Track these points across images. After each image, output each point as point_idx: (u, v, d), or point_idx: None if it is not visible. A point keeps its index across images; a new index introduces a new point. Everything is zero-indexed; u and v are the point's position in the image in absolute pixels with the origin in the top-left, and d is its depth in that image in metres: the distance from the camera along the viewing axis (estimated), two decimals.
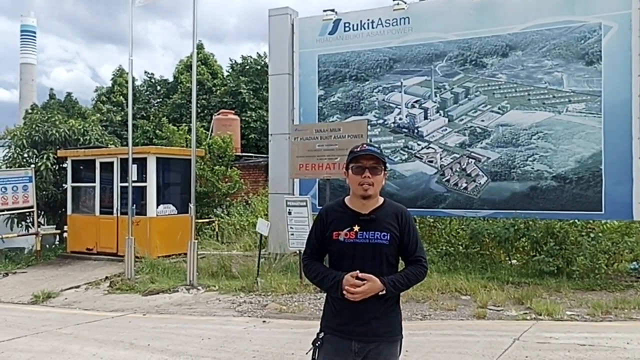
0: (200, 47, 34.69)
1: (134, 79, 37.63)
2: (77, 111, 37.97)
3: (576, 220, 10.18)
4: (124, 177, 12.00)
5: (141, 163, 12.39)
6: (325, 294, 3.02)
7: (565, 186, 10.14)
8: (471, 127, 10.92)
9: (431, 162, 11.27)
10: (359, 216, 2.85)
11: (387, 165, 2.94)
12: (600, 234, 9.81)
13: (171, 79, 36.87)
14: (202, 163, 16.85)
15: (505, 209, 10.58)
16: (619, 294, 8.41)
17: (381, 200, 2.91)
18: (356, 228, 2.82)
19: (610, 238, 10.01)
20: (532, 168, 10.40)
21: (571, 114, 10.15)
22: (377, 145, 3.10)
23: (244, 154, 24.12)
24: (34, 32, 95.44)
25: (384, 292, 2.76)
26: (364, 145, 2.91)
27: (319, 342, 2.89)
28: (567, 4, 10.21)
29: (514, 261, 10.59)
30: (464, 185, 10.95)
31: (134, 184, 11.74)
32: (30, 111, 31.52)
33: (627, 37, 9.69)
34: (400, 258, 2.95)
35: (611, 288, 8.78)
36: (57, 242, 14.78)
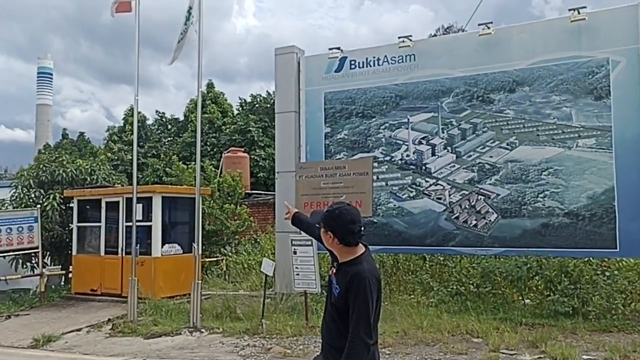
0: (210, 86, 35.13)
1: (145, 118, 38.22)
2: (89, 150, 38.37)
3: (591, 258, 9.88)
4: (129, 216, 11.89)
5: (147, 202, 12.29)
6: None
7: (578, 223, 9.86)
8: (480, 163, 10.75)
9: (440, 199, 11.07)
10: (336, 263, 3.23)
11: (329, 226, 3.18)
12: (616, 272, 9.50)
13: (182, 118, 37.24)
14: (211, 201, 16.76)
15: (516, 246, 10.31)
16: (637, 335, 8.07)
17: (351, 257, 3.14)
18: (334, 270, 3.23)
19: (626, 277, 9.70)
20: (543, 204, 10.16)
21: (581, 149, 9.96)
22: (329, 207, 3.26)
23: (253, 191, 24.06)
24: (51, 74, 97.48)
25: None
26: None
27: None
28: (574, 40, 10.12)
29: (527, 301, 10.27)
30: (474, 222, 10.71)
31: (140, 224, 11.62)
32: (42, 151, 31.83)
33: (635, 71, 9.56)
34: None
35: (629, 329, 8.44)
36: (62, 283, 14.63)
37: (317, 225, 3.34)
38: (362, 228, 3.13)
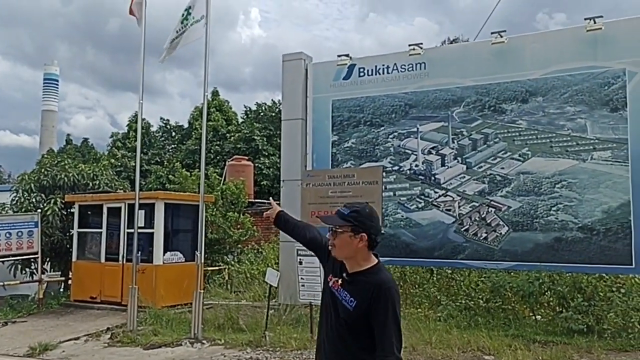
0: (215, 93, 35.01)
1: (149, 125, 38.07)
2: (93, 156, 38.23)
3: (604, 275, 9.59)
4: (131, 222, 11.64)
5: (149, 209, 12.04)
6: None
7: (592, 238, 9.58)
8: (491, 174, 10.49)
9: (449, 210, 10.80)
10: (345, 273, 2.84)
11: (364, 226, 2.78)
12: (631, 290, 9.20)
13: (186, 125, 37.11)
14: (214, 209, 16.51)
15: (528, 261, 10.02)
16: None
17: (368, 265, 2.81)
18: (340, 281, 2.84)
19: None
20: (556, 218, 9.88)
21: (596, 162, 9.69)
22: (354, 207, 2.86)
23: (256, 200, 23.82)
24: (57, 80, 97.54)
25: None
26: (338, 210, 2.89)
27: None
28: (590, 50, 9.89)
29: (538, 317, 9.95)
30: (484, 235, 10.43)
31: (142, 230, 11.37)
32: (45, 156, 31.66)
33: None
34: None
35: None
36: (61, 290, 14.35)
37: (335, 228, 2.81)
38: None
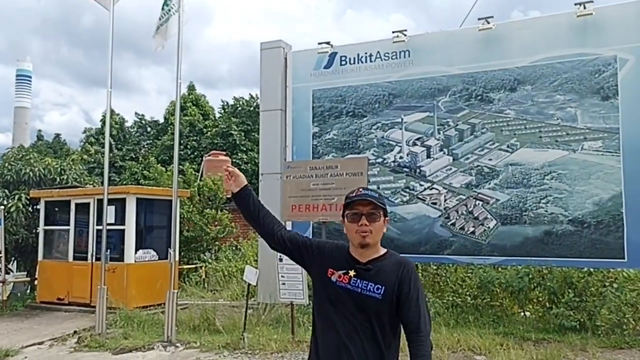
0: (191, 88, 34.24)
1: (124, 120, 37.09)
2: (65, 152, 37.12)
3: (594, 269, 9.26)
4: (101, 219, 10.99)
5: (120, 204, 11.41)
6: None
7: (583, 231, 9.25)
8: (478, 166, 10.10)
9: (435, 204, 10.39)
10: (357, 263, 2.60)
11: (387, 210, 2.66)
12: (623, 285, 8.87)
13: (162, 121, 36.27)
14: (191, 205, 15.93)
15: (517, 255, 9.67)
16: None
17: (383, 250, 2.65)
18: (352, 273, 2.58)
19: (633, 289, 9.07)
20: (546, 211, 9.53)
21: (587, 152, 9.36)
22: (375, 190, 2.74)
23: None
24: (30, 77, 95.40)
25: None
26: (360, 190, 2.65)
27: None
28: (579, 36, 9.55)
29: (527, 313, 9.59)
30: (471, 229, 10.04)
31: (112, 227, 10.78)
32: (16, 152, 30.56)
33: None
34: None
35: None
36: (28, 291, 13.61)
37: (373, 211, 2.56)
38: None
